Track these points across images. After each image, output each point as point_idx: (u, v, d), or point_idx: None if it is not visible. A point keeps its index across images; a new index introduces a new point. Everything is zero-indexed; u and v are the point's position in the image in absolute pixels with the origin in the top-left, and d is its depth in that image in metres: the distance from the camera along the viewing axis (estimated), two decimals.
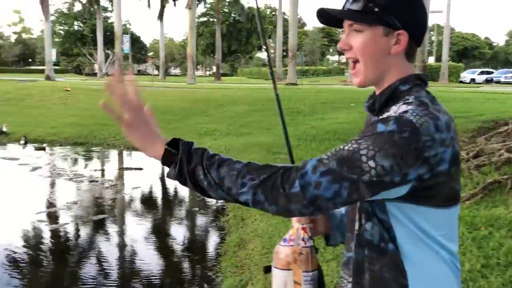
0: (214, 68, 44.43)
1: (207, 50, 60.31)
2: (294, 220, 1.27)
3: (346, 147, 1.01)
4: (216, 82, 38.95)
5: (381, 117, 1.06)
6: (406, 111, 1.00)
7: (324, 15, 1.15)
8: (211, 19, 57.40)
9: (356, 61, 1.12)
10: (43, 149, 12.20)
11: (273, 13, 62.77)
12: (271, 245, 4.34)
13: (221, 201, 7.33)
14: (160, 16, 43.71)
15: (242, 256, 4.62)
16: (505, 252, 3.69)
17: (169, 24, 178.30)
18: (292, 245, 1.22)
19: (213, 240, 5.88)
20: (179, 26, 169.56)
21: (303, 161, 1.04)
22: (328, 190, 0.99)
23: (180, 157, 1.08)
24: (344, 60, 69.94)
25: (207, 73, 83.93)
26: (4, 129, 13.42)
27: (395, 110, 1.04)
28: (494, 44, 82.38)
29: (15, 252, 5.14)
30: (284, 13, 44.45)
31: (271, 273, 1.22)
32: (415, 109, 1.00)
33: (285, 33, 40.06)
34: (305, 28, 73.43)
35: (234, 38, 58.73)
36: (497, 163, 6.09)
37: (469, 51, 70.60)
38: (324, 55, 74.81)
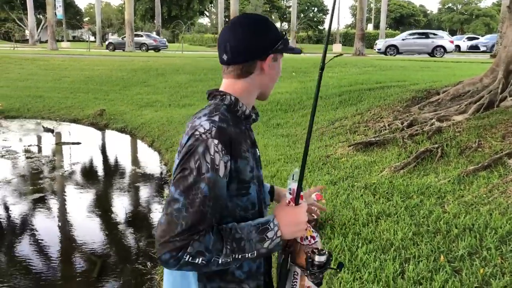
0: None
1: (146, 15, 58.04)
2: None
3: None
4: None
5: None
6: None
7: None
8: None
9: None
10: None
11: None
12: None
13: (162, 177, 7.12)
14: None
15: None
16: (434, 219, 3.94)
17: None
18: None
19: (156, 215, 5.83)
20: None
21: None
22: None
23: None
24: (286, 27, 69.95)
25: None
26: None
27: None
28: (428, 12, 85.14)
29: None
30: None
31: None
32: None
33: None
34: None
35: (174, 3, 56.75)
36: (429, 132, 6.41)
37: (405, 19, 72.57)
38: None
